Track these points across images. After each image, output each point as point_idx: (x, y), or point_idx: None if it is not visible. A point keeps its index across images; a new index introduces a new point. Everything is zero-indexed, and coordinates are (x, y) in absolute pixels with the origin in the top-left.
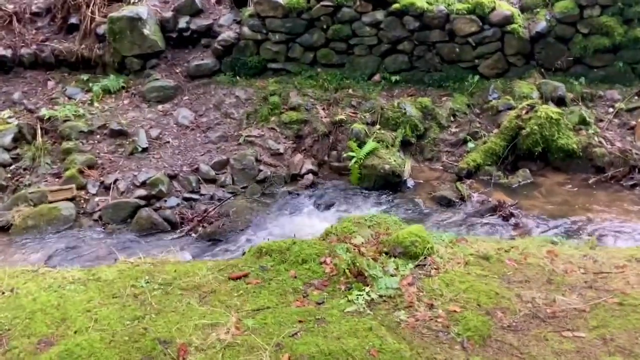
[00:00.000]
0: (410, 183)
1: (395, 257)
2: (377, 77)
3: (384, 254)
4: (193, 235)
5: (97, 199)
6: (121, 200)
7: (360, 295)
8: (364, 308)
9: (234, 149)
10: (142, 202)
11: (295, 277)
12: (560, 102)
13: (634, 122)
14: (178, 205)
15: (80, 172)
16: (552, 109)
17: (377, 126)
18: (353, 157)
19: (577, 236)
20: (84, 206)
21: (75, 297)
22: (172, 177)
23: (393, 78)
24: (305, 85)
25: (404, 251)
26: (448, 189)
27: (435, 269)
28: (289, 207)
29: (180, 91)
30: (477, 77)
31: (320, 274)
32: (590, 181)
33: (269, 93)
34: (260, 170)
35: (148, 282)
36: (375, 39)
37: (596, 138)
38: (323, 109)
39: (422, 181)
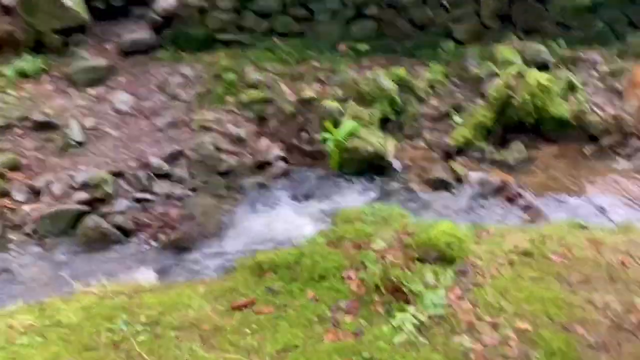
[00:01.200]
0: (397, 165)
1: (430, 263)
2: (343, 47)
3: (416, 261)
4: (154, 244)
5: (26, 207)
6: (58, 207)
7: (405, 318)
8: (415, 336)
9: (188, 137)
10: (85, 208)
11: (316, 299)
12: (543, 67)
13: (619, 86)
14: (129, 208)
15: (1, 176)
16: (542, 75)
17: (351, 102)
18: (330, 139)
19: (595, 216)
20: (11, 218)
21: (33, 357)
22: (118, 175)
23: (361, 47)
24: (263, 59)
25: (439, 255)
26: (441, 170)
27: (480, 274)
28: (262, 202)
29: (114, 71)
30: (452, 44)
31: (345, 293)
32: (586, 151)
33: (221, 69)
34: (221, 161)
35: (127, 322)
36: (339, 3)
37: (586, 105)
38: (286, 84)
39: (408, 162)
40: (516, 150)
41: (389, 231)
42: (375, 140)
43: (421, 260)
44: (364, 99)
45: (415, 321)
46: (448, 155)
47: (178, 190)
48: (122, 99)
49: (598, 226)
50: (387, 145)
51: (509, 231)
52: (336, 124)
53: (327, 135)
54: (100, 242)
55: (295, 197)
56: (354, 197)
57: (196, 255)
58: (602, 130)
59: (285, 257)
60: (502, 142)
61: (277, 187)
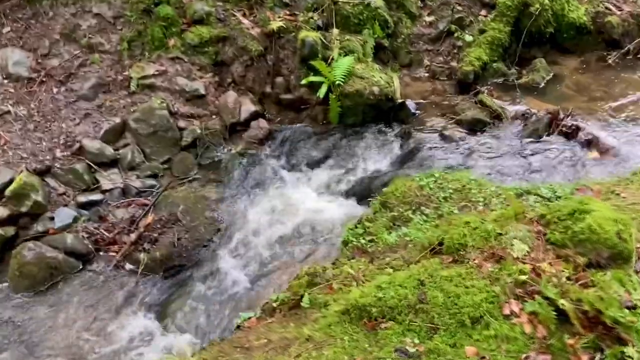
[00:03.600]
0: (412, 106)
1: (600, 267)
2: None
3: (579, 267)
4: (130, 267)
5: None
6: None
7: None
8: None
9: (127, 103)
10: (11, 231)
11: (483, 357)
12: None
13: None
14: (76, 220)
15: None
16: None
17: (335, 30)
18: (322, 83)
19: None
20: None
21: None
22: (43, 173)
23: None
24: None
25: (611, 254)
26: (469, 107)
27: None
28: (254, 180)
29: None
30: None
31: (522, 340)
32: (610, 60)
33: (151, 2)
34: (181, 129)
35: None
36: None
37: (601, 4)
38: (244, 15)
39: (419, 99)
40: (542, 69)
41: (511, 222)
42: (379, 78)
43: (591, 264)
44: (348, 24)
45: None
46: (463, 85)
47: (135, 181)
48: (15, 59)
49: None
50: (394, 82)
51: (598, 183)
52: (323, 61)
53: (315, 78)
54: (49, 279)
55: (294, 167)
56: (375, 157)
57: (198, 273)
58: (622, 32)
59: (398, 295)
60: (520, 60)
61: (266, 156)
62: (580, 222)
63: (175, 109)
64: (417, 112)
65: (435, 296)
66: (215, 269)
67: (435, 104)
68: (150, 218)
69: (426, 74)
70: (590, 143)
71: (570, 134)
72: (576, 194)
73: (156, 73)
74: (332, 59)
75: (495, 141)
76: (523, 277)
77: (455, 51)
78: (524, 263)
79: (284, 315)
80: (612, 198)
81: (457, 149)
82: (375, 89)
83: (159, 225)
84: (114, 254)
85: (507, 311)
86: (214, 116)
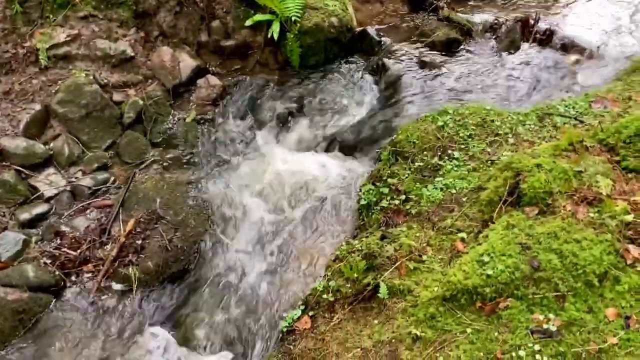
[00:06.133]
0: (374, 34)
1: None
2: None
3: None
4: (119, 287)
5: None
6: None
7: None
8: None
9: (43, 83)
10: None
11: (628, 317)
12: None
13: None
14: (27, 244)
15: None
16: None
17: None
18: (270, 20)
19: None
20: None
21: None
22: None
23: None
24: None
25: None
26: (437, 26)
27: None
28: (224, 149)
29: None
30: None
31: None
32: None
33: None
34: (118, 104)
35: None
36: None
37: None
38: None
39: (375, 24)
40: None
41: (581, 155)
42: (334, 6)
43: None
44: None
45: None
46: (416, 1)
47: (83, 178)
48: None
49: None
50: (349, 9)
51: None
52: None
53: (262, 16)
54: (17, 328)
55: (264, 124)
56: (353, 100)
57: (205, 276)
58: None
59: (500, 263)
60: None
61: (226, 117)
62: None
63: (105, 80)
64: (382, 39)
65: (549, 260)
66: (222, 264)
67: (396, 27)
68: (131, 223)
69: None
70: (566, 47)
71: (545, 40)
72: (594, 107)
73: (68, 39)
74: None
75: (478, 59)
76: (629, 217)
77: None
78: (616, 199)
79: (350, 311)
80: (633, 105)
81: (442, 74)
82: (334, 20)
83: (139, 229)
84: (89, 274)
85: (629, 259)
86: (149, 80)
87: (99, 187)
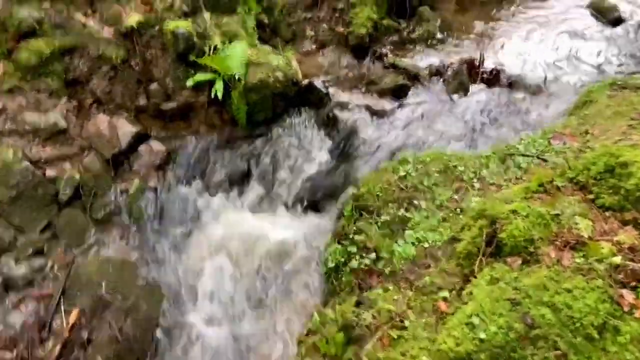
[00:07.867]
0: (320, 86)
1: None
2: None
3: None
4: None
5: None
6: None
7: None
8: None
9: None
10: None
11: None
12: None
13: None
14: None
15: None
16: None
17: (206, 14)
18: (212, 79)
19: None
20: None
21: None
22: None
23: None
24: None
25: None
26: (384, 74)
27: None
28: (174, 219)
29: None
30: None
31: None
32: None
33: None
34: (51, 180)
35: None
36: None
37: None
38: (86, 14)
39: (320, 76)
40: (431, 17)
41: (556, 197)
42: (277, 61)
43: None
44: (218, 4)
45: None
46: (359, 50)
47: (16, 266)
48: None
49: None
50: (292, 63)
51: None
52: (200, 54)
53: (203, 76)
54: None
55: (215, 188)
56: (307, 155)
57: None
58: None
59: (491, 324)
60: (399, 12)
61: (173, 185)
62: (628, 177)
63: (36, 156)
64: (329, 91)
65: (542, 314)
66: (180, 351)
67: (343, 78)
68: (74, 315)
69: (314, 46)
70: (514, 84)
71: (492, 80)
72: (553, 143)
73: None
74: (215, 48)
75: (427, 105)
76: (617, 259)
77: (337, 15)
78: (599, 241)
79: None
80: (590, 139)
81: (395, 121)
82: (280, 75)
83: (84, 320)
84: None
85: (626, 306)
86: (86, 152)
87: (35, 276)
